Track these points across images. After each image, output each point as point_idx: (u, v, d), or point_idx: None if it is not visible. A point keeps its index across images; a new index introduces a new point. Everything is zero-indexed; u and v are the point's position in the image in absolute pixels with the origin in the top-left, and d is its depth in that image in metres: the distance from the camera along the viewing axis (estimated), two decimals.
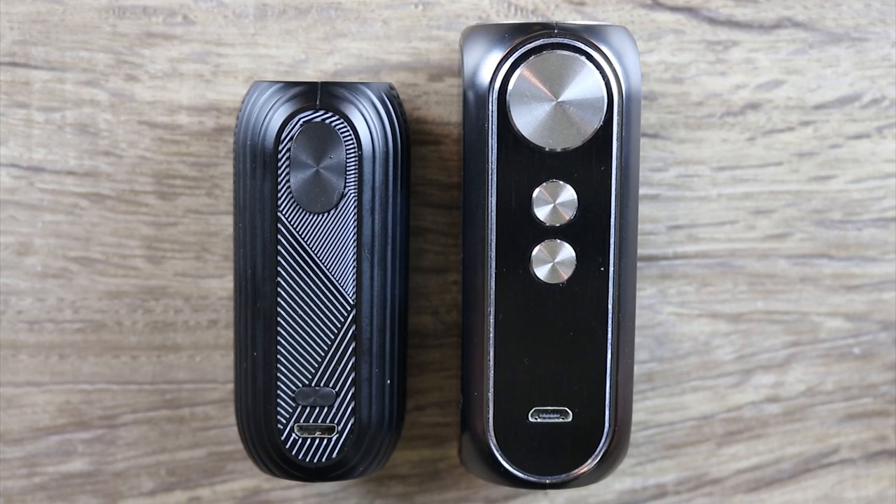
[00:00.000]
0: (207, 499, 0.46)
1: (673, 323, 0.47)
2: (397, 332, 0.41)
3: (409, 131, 0.41)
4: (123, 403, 0.45)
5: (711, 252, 0.46)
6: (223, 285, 0.45)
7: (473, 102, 0.39)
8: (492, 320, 0.39)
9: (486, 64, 0.38)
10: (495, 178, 0.39)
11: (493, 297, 0.39)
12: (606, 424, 0.40)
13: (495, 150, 0.39)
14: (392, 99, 0.40)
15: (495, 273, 0.39)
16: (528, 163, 0.39)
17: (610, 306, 0.39)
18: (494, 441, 0.40)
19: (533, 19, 0.45)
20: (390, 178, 0.40)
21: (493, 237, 0.39)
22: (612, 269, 0.39)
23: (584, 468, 0.40)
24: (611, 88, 0.38)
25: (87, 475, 0.46)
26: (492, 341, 0.39)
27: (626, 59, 0.39)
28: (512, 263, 0.39)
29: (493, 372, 0.40)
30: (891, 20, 0.46)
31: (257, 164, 0.39)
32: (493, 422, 0.40)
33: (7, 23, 0.45)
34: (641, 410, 0.46)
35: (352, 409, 0.40)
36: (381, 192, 0.40)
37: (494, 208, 0.39)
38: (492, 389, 0.40)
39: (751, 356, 0.47)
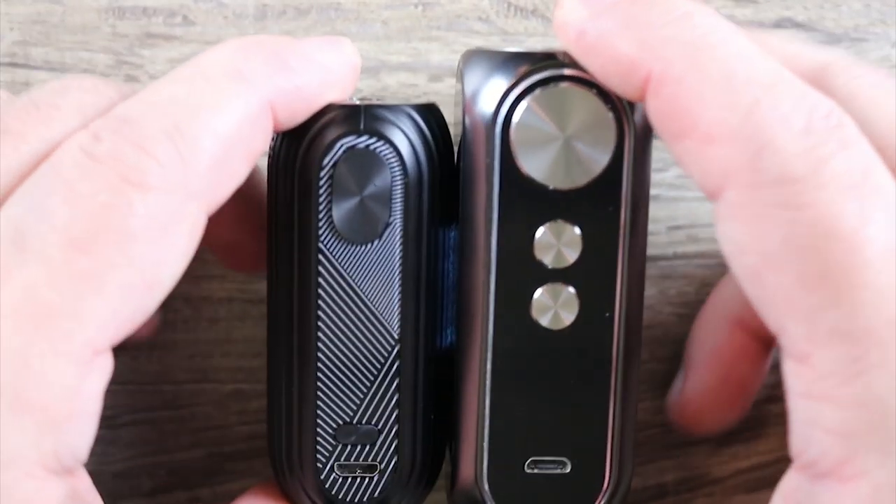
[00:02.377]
0: (207, 499, 0.46)
1: (673, 323, 0.47)
2: (437, 364, 0.38)
3: (453, 154, 0.38)
4: (123, 403, 0.45)
5: (711, 252, 0.46)
6: (223, 286, 0.46)
7: (474, 134, 0.36)
8: (489, 366, 0.37)
9: (489, 95, 0.36)
10: (496, 217, 0.36)
11: (490, 341, 0.37)
12: (607, 476, 0.38)
13: (497, 187, 0.36)
14: (435, 120, 0.38)
15: (494, 316, 0.37)
16: (532, 201, 0.36)
17: (614, 354, 0.37)
18: (489, 493, 0.38)
19: (533, 21, 0.45)
20: (436, 204, 0.37)
21: (493, 278, 0.36)
22: (617, 315, 0.37)
23: None
24: (622, 123, 0.35)
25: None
26: (488, 387, 0.37)
27: None
28: (512, 307, 0.37)
29: (488, 420, 0.37)
30: (891, 21, 0.46)
31: (296, 191, 0.37)
32: (487, 472, 0.38)
33: (7, 23, 0.45)
34: (642, 411, 0.46)
35: (395, 446, 0.38)
36: (428, 220, 0.37)
37: (495, 249, 0.36)
38: (487, 438, 0.37)
39: None
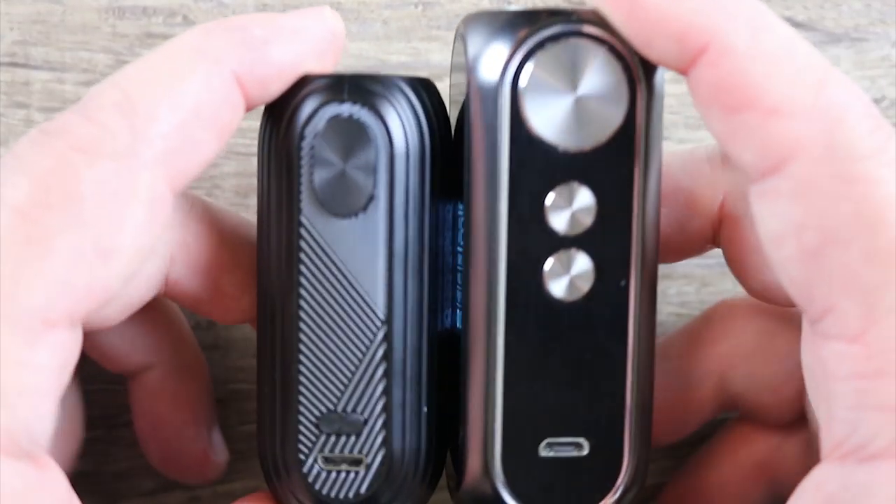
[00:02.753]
0: (207, 499, 0.46)
1: (673, 323, 0.47)
2: (434, 352, 0.36)
3: (449, 130, 0.36)
4: (123, 403, 0.45)
5: (711, 252, 0.46)
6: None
7: (479, 98, 0.34)
8: (500, 340, 0.35)
9: (495, 54, 0.34)
10: (506, 181, 0.34)
11: (502, 315, 0.35)
12: (626, 456, 0.35)
13: (506, 150, 0.34)
14: (430, 95, 0.36)
15: (505, 289, 0.34)
16: (543, 164, 0.34)
17: (631, 326, 0.35)
18: (502, 480, 0.36)
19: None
20: (427, 181, 0.35)
21: (504, 248, 0.34)
22: (633, 283, 0.35)
23: None
24: (633, 80, 0.34)
25: (87, 475, 0.46)
26: (500, 364, 0.35)
27: None
28: (523, 278, 0.34)
29: (501, 399, 0.35)
30: (891, 20, 0.46)
31: (278, 162, 0.35)
32: (500, 458, 0.35)
33: (7, 23, 0.45)
34: None
35: (382, 438, 0.36)
36: (417, 195, 0.35)
37: (505, 215, 0.34)
38: (500, 419, 0.35)
39: None
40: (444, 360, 0.37)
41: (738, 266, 0.39)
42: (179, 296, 0.39)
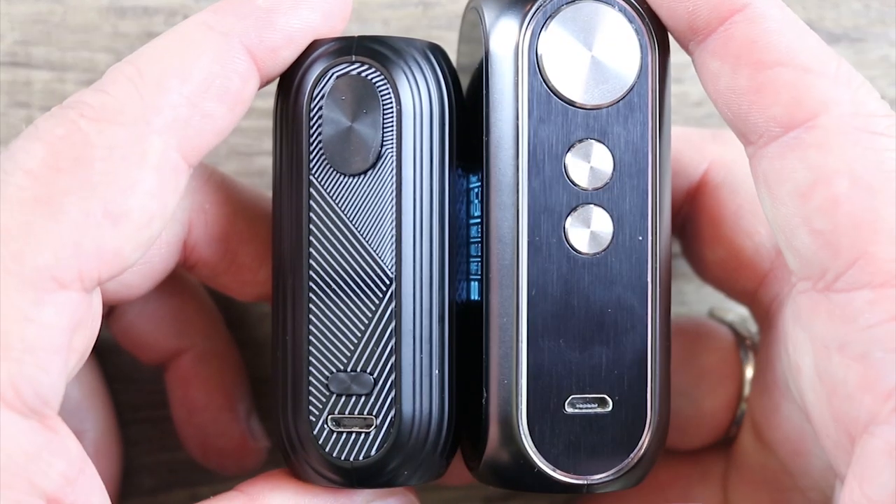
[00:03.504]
0: (208, 497, 0.46)
1: (672, 322, 0.46)
2: (445, 315, 0.36)
3: (459, 92, 0.37)
4: (124, 403, 0.45)
5: None
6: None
7: (499, 56, 0.36)
8: (524, 296, 0.35)
9: (515, 14, 0.35)
10: (527, 137, 0.35)
11: (525, 270, 0.35)
12: (649, 412, 0.36)
13: (526, 106, 0.35)
14: (438, 57, 0.36)
15: (528, 243, 0.35)
16: (562, 120, 0.35)
17: (650, 279, 0.36)
18: (528, 438, 0.36)
19: None
20: (435, 139, 0.36)
21: (526, 203, 0.35)
22: (650, 237, 0.36)
23: (626, 465, 0.36)
24: (644, 41, 0.36)
25: None
26: (525, 320, 0.35)
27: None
28: (545, 232, 0.35)
29: (525, 356, 0.35)
30: (890, 20, 0.46)
31: (289, 124, 0.36)
32: (526, 416, 0.36)
33: (8, 23, 0.45)
34: None
35: (392, 398, 0.36)
36: (427, 154, 0.36)
37: (526, 170, 0.35)
38: (525, 376, 0.35)
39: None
40: (459, 333, 0.37)
41: (706, 235, 0.40)
42: (197, 264, 0.39)
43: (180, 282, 0.43)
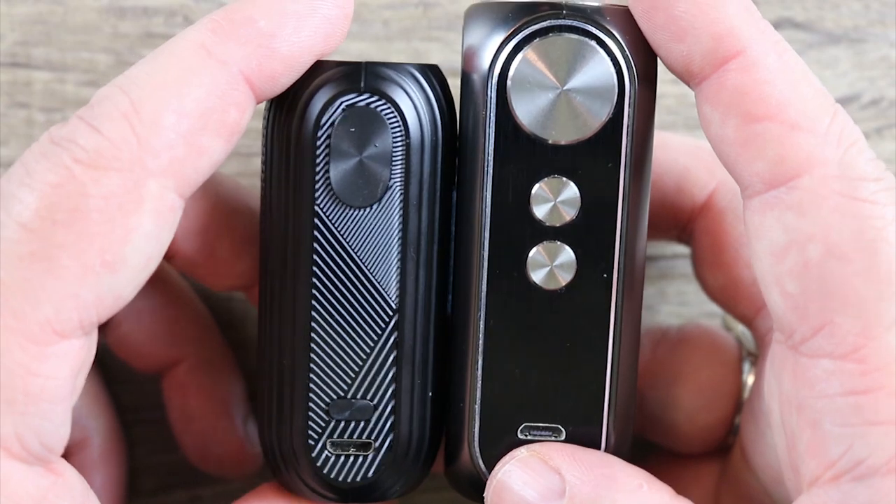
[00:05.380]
0: (208, 498, 0.46)
1: (673, 322, 0.47)
2: (440, 339, 0.37)
3: (455, 118, 0.36)
4: (124, 404, 0.45)
5: None
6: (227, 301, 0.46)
7: (471, 87, 0.35)
8: (482, 326, 0.36)
9: (487, 45, 0.35)
10: (491, 171, 0.35)
11: (484, 300, 0.35)
12: (602, 446, 0.36)
13: (492, 141, 0.35)
14: (439, 82, 0.36)
15: (487, 275, 0.35)
16: (528, 156, 0.35)
17: (612, 316, 0.35)
18: (480, 459, 0.36)
19: None
20: (439, 170, 0.36)
21: (487, 235, 0.35)
22: (616, 275, 0.35)
23: None
24: (622, 77, 0.34)
25: None
26: (481, 349, 0.36)
27: (641, 44, 0.35)
28: (506, 265, 0.35)
29: (480, 381, 0.36)
30: (890, 21, 0.46)
31: (292, 151, 0.35)
32: (478, 437, 0.36)
33: (8, 23, 0.45)
34: None
35: (391, 424, 0.36)
36: (429, 184, 0.35)
37: (489, 204, 0.35)
38: (479, 401, 0.36)
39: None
40: (449, 344, 0.37)
41: (707, 258, 0.40)
42: (175, 256, 0.39)
43: (174, 291, 0.43)
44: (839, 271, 0.32)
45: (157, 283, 0.42)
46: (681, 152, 0.41)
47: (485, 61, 0.35)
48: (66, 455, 0.43)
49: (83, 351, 0.33)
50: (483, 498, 0.36)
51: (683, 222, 0.41)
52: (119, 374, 0.45)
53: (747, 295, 0.40)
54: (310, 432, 0.36)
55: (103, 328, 0.42)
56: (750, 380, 0.42)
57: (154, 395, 0.45)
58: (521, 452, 0.35)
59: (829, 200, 0.32)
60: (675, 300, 0.47)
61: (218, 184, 0.40)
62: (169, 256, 0.39)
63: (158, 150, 0.33)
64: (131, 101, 0.33)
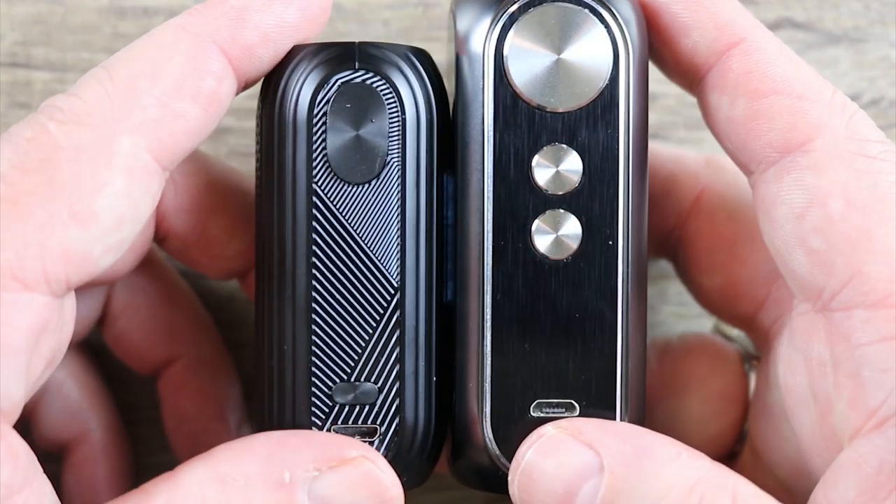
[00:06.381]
0: None
1: (673, 323, 0.47)
2: (442, 322, 0.36)
3: (445, 95, 0.37)
4: (121, 404, 0.45)
5: None
6: (223, 286, 0.46)
7: (467, 60, 0.35)
8: (489, 300, 0.35)
9: (481, 20, 0.35)
10: (492, 141, 0.35)
11: (489, 274, 0.35)
12: (618, 419, 0.36)
13: (491, 111, 0.35)
14: (426, 62, 0.36)
15: (492, 247, 0.35)
16: (528, 124, 0.35)
17: (619, 285, 0.35)
18: (492, 440, 0.36)
19: None
20: (433, 145, 0.36)
21: (490, 207, 0.35)
22: (621, 242, 0.35)
23: None
24: (617, 44, 0.35)
25: None
26: (489, 324, 0.35)
27: (633, 12, 0.35)
28: (510, 237, 0.35)
29: (490, 359, 0.35)
30: (890, 21, 0.46)
31: (289, 131, 0.35)
32: (490, 417, 0.36)
33: (8, 24, 0.45)
34: None
35: (396, 407, 0.36)
36: (426, 162, 0.36)
37: (491, 174, 0.35)
38: (489, 379, 0.35)
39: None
40: (447, 331, 0.37)
41: (702, 262, 0.40)
42: (168, 235, 0.39)
43: (171, 289, 0.43)
44: (862, 221, 0.33)
45: (154, 280, 0.42)
46: (665, 160, 0.41)
47: (480, 35, 0.35)
48: (68, 450, 0.43)
49: (48, 310, 0.33)
50: (494, 486, 0.36)
51: (668, 229, 0.41)
52: (116, 375, 0.45)
53: (747, 292, 0.40)
54: (314, 419, 0.36)
55: (100, 325, 0.42)
56: (753, 385, 0.42)
57: (154, 395, 0.45)
58: (548, 430, 0.35)
59: (842, 158, 0.34)
60: (676, 300, 0.47)
61: (210, 164, 0.40)
62: (162, 237, 0.40)
63: (131, 108, 0.33)
64: (108, 72, 0.34)
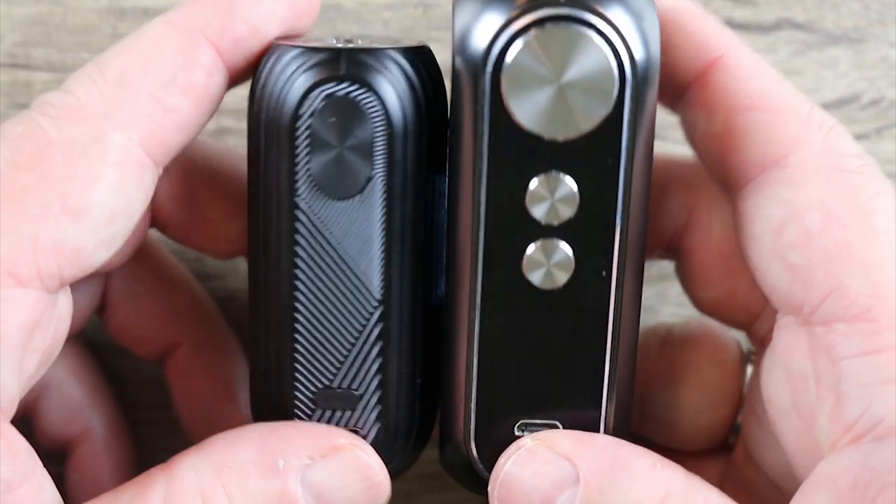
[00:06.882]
0: None
1: (673, 323, 0.47)
2: (428, 325, 0.36)
3: (445, 100, 0.35)
4: (124, 403, 0.45)
5: None
6: (223, 286, 0.46)
7: (464, 82, 0.33)
8: (477, 325, 0.35)
9: (479, 37, 0.33)
10: (486, 168, 0.33)
11: (479, 300, 0.35)
12: None
13: (487, 137, 0.33)
14: (426, 64, 0.35)
15: (483, 274, 0.34)
16: (525, 152, 0.33)
17: (610, 315, 0.35)
18: (475, 454, 0.36)
19: None
20: (424, 157, 0.35)
21: (482, 234, 0.34)
22: (614, 274, 0.34)
23: None
24: (623, 70, 0.33)
25: None
26: (476, 348, 0.35)
27: (643, 35, 0.33)
28: (502, 264, 0.34)
29: (476, 379, 0.35)
30: (889, 21, 0.46)
31: (272, 141, 0.34)
32: (474, 433, 0.36)
33: (8, 24, 0.45)
34: None
35: (378, 412, 0.36)
36: (414, 173, 0.35)
37: (484, 202, 0.34)
38: (474, 399, 0.35)
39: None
40: (438, 330, 0.37)
41: (698, 275, 0.40)
42: (168, 223, 0.40)
43: (169, 274, 0.43)
44: (840, 235, 0.33)
45: (151, 266, 0.42)
46: (660, 172, 0.41)
47: (478, 49, 0.33)
48: (70, 447, 0.43)
49: (41, 305, 0.33)
50: (475, 488, 0.36)
51: (667, 241, 0.41)
52: (116, 375, 0.45)
53: (743, 305, 0.40)
54: (297, 421, 0.36)
55: (102, 314, 0.42)
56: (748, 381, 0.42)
57: (154, 395, 0.45)
58: (526, 442, 0.35)
59: (820, 172, 0.34)
60: (676, 300, 0.47)
61: (203, 148, 0.40)
62: (162, 226, 0.40)
63: (122, 103, 0.34)
64: (99, 68, 0.34)
